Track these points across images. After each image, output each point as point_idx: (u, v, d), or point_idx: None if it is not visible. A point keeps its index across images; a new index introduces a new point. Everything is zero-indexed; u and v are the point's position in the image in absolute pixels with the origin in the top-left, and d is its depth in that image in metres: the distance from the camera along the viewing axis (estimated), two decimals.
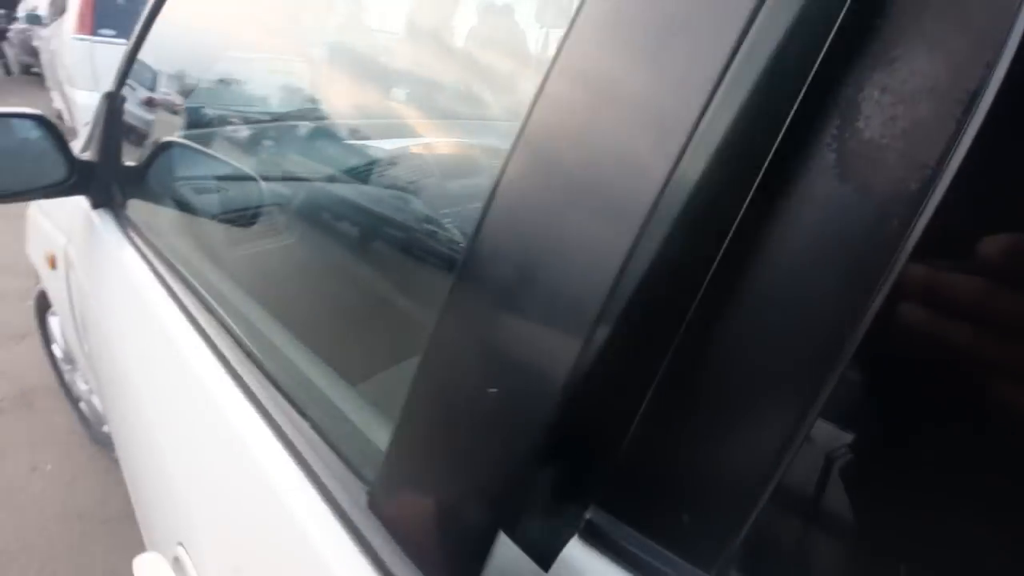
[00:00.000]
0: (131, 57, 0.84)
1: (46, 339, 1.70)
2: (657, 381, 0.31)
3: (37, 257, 1.42)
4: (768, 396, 0.28)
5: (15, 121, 0.75)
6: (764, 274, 0.28)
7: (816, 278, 0.27)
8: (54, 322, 1.60)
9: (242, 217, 0.83)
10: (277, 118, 1.30)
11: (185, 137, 1.08)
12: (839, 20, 0.27)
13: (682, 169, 0.29)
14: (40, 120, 0.75)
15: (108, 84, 0.87)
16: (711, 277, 0.30)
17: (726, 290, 0.29)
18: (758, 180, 0.28)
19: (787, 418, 0.27)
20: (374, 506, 0.37)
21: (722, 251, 0.29)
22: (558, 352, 0.34)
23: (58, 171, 0.77)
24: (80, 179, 0.80)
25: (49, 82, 5.29)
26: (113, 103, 0.86)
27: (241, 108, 1.27)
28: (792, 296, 0.28)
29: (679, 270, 0.30)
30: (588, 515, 0.33)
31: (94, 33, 3.63)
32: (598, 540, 0.32)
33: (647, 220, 0.31)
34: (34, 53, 6.22)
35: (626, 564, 0.30)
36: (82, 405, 1.57)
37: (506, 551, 0.35)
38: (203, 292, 0.61)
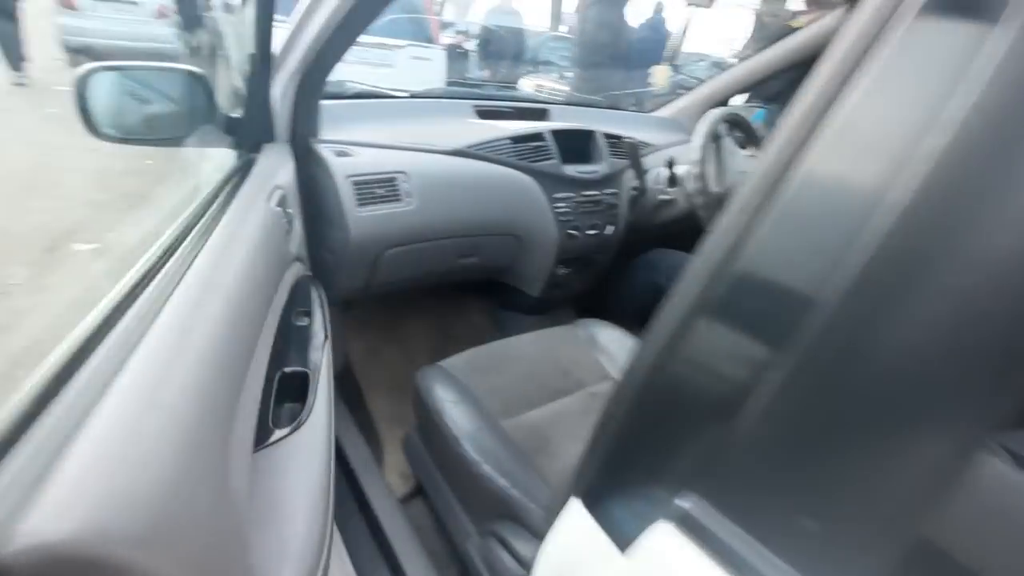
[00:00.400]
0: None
1: None
2: (788, 373, 0.26)
3: None
4: (929, 408, 0.22)
5: (179, 75, 0.85)
6: (926, 268, 0.22)
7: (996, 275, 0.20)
8: None
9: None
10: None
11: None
12: None
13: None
14: (195, 76, 0.85)
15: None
16: (863, 271, 0.24)
17: (876, 283, 0.23)
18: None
19: (950, 434, 0.21)
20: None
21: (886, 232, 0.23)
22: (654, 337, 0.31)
23: (209, 121, 0.87)
24: (227, 130, 0.91)
25: None
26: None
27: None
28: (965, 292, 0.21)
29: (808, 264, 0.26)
30: (686, 504, 0.29)
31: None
32: (694, 530, 0.28)
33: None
34: None
35: (723, 561, 0.26)
36: None
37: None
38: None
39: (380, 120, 1.32)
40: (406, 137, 1.23)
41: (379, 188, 1.11)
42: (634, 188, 1.53)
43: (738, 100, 1.97)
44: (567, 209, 1.37)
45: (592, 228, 1.43)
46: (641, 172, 1.44)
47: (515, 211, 1.31)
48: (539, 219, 1.35)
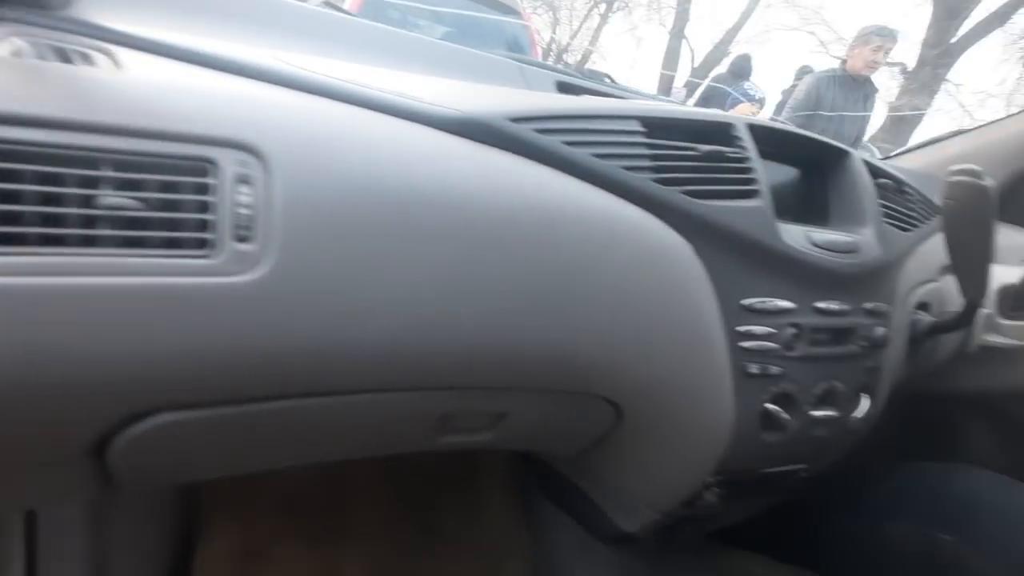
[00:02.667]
0: None
1: None
2: None
3: None
4: None
5: None
6: None
7: None
8: None
9: None
10: None
11: None
12: None
13: None
14: None
15: None
16: None
17: None
18: None
19: None
20: None
21: None
22: None
23: None
24: None
25: None
26: None
27: None
28: None
29: None
30: None
31: None
32: None
33: None
34: None
35: None
36: None
37: None
38: None
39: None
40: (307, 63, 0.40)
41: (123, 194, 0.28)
42: (921, 306, 0.61)
43: None
44: (768, 346, 0.47)
45: (826, 405, 0.52)
46: (980, 278, 0.52)
47: (624, 329, 0.42)
48: (691, 365, 0.46)
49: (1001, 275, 0.64)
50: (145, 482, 0.39)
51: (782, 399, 0.48)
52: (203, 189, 0.30)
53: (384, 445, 0.46)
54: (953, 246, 0.51)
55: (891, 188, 0.60)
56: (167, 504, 0.70)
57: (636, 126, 0.44)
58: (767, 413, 0.48)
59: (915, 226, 0.61)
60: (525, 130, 0.39)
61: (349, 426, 0.41)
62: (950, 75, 7.58)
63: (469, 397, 0.41)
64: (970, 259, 0.50)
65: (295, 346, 0.32)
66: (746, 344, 0.46)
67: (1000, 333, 0.62)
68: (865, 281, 0.53)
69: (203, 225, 0.30)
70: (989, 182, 0.48)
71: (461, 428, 0.46)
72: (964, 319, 0.55)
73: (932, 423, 0.95)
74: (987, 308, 0.63)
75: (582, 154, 0.41)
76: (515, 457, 0.87)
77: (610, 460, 0.54)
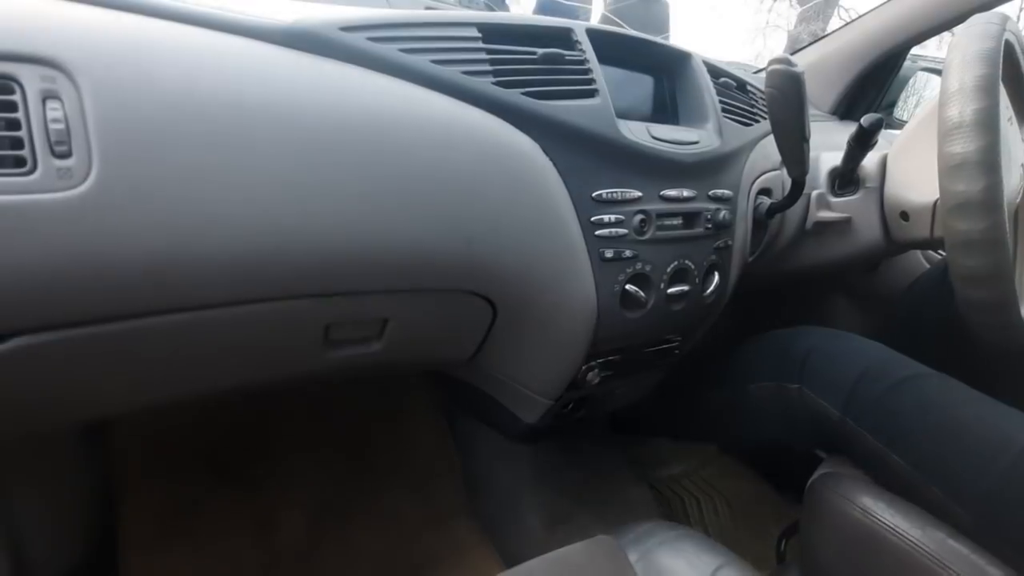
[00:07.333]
0: None
1: None
2: None
3: None
4: None
5: None
6: None
7: None
8: None
9: None
10: None
11: None
12: None
13: None
14: None
15: None
16: None
17: None
18: None
19: None
20: None
21: None
22: None
23: None
24: None
25: None
26: None
27: None
28: None
29: None
30: None
31: None
32: None
33: None
34: None
35: None
36: None
37: None
38: None
39: None
40: None
41: None
42: (763, 192, 0.69)
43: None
44: (619, 232, 0.53)
45: (679, 282, 0.58)
46: (799, 157, 0.59)
47: (477, 225, 0.46)
48: (550, 254, 0.50)
49: (828, 160, 0.72)
50: (19, 421, 0.40)
51: (638, 279, 0.54)
52: (10, 107, 0.30)
53: (274, 366, 0.49)
54: (776, 129, 0.57)
55: (732, 87, 0.66)
56: (82, 467, 0.70)
57: (473, 32, 0.46)
58: (625, 293, 0.54)
59: (757, 121, 0.68)
60: (357, 39, 0.41)
61: (227, 345, 0.42)
62: (842, 1, 7.97)
63: (343, 303, 0.44)
64: (790, 139, 0.56)
65: (133, 258, 0.33)
66: (600, 232, 0.51)
67: (830, 209, 0.72)
68: (707, 170, 0.59)
69: (16, 143, 0.30)
70: (799, 69, 0.54)
71: (348, 340, 0.49)
72: (793, 196, 0.62)
73: (802, 300, 1.07)
74: (820, 188, 0.72)
75: (419, 60, 0.43)
76: (435, 381, 0.92)
77: (498, 356, 0.59)
